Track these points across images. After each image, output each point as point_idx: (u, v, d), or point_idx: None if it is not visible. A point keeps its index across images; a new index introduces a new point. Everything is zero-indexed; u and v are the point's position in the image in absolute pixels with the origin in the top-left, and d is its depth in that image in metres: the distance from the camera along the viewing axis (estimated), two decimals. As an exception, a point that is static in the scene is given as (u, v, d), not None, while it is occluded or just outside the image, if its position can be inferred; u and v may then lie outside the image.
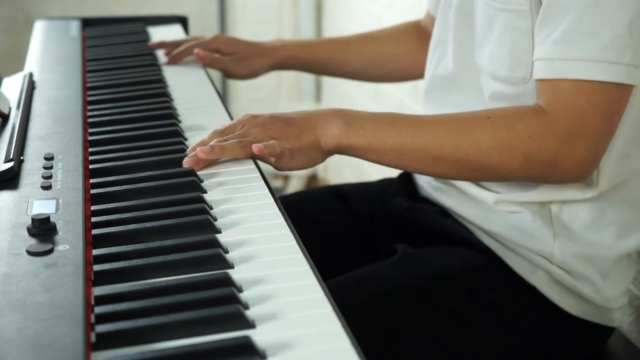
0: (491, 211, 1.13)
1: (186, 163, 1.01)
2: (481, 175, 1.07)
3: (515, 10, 1.05)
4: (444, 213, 1.21)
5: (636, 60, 0.97)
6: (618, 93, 0.98)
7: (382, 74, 1.52)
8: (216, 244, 0.82)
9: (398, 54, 1.47)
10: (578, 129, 0.99)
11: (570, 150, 1.00)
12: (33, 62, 1.45)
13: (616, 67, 0.96)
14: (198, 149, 1.01)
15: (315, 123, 1.05)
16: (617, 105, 0.99)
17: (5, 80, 1.32)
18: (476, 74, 1.16)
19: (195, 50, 1.47)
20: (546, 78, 1.00)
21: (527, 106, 1.03)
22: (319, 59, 1.51)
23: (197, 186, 0.96)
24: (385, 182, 1.40)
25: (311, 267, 0.79)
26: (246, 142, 1.03)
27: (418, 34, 1.47)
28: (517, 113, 1.03)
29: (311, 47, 1.53)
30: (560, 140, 0.99)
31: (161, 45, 1.54)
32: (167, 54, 1.52)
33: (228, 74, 1.52)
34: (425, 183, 1.25)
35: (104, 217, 0.88)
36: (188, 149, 1.05)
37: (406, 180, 1.33)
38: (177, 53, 1.50)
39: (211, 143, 1.03)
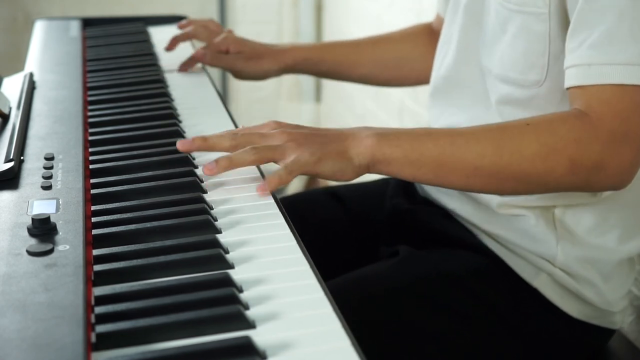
0: (494, 214, 1.12)
1: (182, 146, 0.99)
2: (523, 185, 1.00)
3: (532, 13, 1.03)
4: (446, 214, 1.21)
5: None
6: None
7: (396, 77, 1.47)
8: (216, 244, 0.82)
9: (411, 56, 1.43)
10: (624, 132, 0.96)
11: (616, 153, 0.96)
12: (33, 62, 1.45)
13: None
14: (203, 166, 0.96)
15: (345, 136, 0.99)
16: None
17: (6, 80, 1.32)
18: (480, 75, 1.15)
19: (196, 51, 1.44)
20: (583, 84, 0.97)
21: (567, 111, 0.99)
22: (332, 61, 1.46)
23: (197, 186, 0.96)
24: (382, 182, 1.39)
25: (311, 267, 0.79)
26: (262, 147, 0.96)
27: (430, 36, 1.44)
28: (558, 117, 0.98)
29: (323, 49, 1.49)
30: (605, 143, 0.96)
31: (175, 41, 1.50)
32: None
33: (234, 73, 1.47)
34: (426, 183, 1.25)
35: (104, 217, 0.88)
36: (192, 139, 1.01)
37: (405, 180, 1.32)
38: (187, 61, 1.46)
39: (211, 142, 0.99)
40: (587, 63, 0.96)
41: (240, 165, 0.96)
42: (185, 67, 1.45)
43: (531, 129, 0.98)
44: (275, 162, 0.97)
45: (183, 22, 1.55)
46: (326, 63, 1.47)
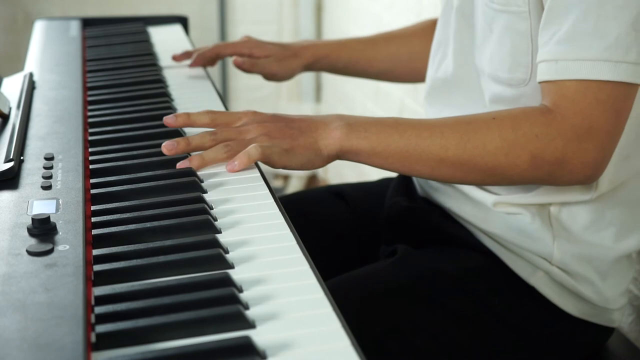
0: (490, 213, 1.12)
1: (168, 151, 1.01)
2: (488, 177, 1.04)
3: (514, 12, 1.05)
4: (444, 214, 1.21)
5: None
6: (624, 92, 0.98)
7: (410, 73, 1.48)
8: (216, 244, 0.82)
9: (424, 51, 1.41)
10: (586, 128, 0.98)
11: (579, 149, 0.98)
12: (33, 62, 1.45)
13: (622, 66, 0.95)
14: (178, 164, 1.00)
15: (316, 126, 1.04)
16: (623, 103, 0.98)
17: (5, 80, 1.32)
18: (476, 76, 1.15)
19: (234, 59, 1.42)
20: (550, 79, 0.99)
21: (533, 106, 1.02)
22: (348, 58, 1.47)
23: (197, 186, 0.96)
24: (385, 182, 1.39)
25: (311, 267, 0.79)
26: (233, 146, 1.01)
27: None
28: (522, 113, 1.01)
29: (340, 46, 1.49)
30: (567, 139, 0.98)
31: (186, 54, 1.47)
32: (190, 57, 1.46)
33: (268, 76, 1.46)
34: (424, 183, 1.25)
35: (104, 217, 0.88)
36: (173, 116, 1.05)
37: (405, 180, 1.32)
38: (203, 53, 1.44)
39: (194, 143, 1.02)
40: (555, 58, 0.98)
41: (212, 163, 1.01)
42: (200, 61, 1.44)
43: (496, 124, 1.01)
44: None
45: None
46: (343, 60, 1.48)
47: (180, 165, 1.00)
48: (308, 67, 1.48)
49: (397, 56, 1.47)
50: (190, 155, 1.02)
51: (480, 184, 1.10)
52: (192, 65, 1.44)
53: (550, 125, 0.99)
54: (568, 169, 1.00)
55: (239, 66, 1.42)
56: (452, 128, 1.03)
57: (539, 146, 0.99)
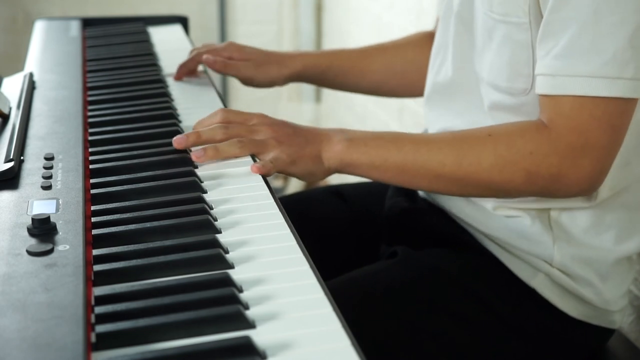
0: (491, 215, 1.12)
1: (178, 144, 1.03)
2: (485, 192, 1.06)
3: (514, 23, 1.04)
4: (444, 215, 1.21)
5: (639, 74, 0.95)
6: (621, 107, 0.97)
7: (404, 85, 1.44)
8: (216, 244, 0.82)
9: (419, 62, 1.40)
10: (582, 144, 0.98)
11: (574, 165, 0.99)
12: (33, 62, 1.45)
13: (619, 82, 0.95)
14: (191, 153, 1.02)
15: (320, 139, 1.06)
16: (620, 119, 0.98)
17: (6, 80, 1.32)
18: (476, 81, 1.15)
19: (205, 57, 1.37)
20: (547, 94, 0.99)
21: (529, 122, 1.02)
22: (339, 67, 1.43)
23: (197, 186, 0.96)
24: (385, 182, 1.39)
25: (311, 267, 0.79)
26: (246, 141, 1.03)
27: (433, 42, 1.43)
28: (518, 130, 1.02)
29: (331, 55, 1.45)
30: (562, 156, 0.99)
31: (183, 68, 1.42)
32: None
33: (244, 80, 1.42)
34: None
35: (104, 217, 0.88)
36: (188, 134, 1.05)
37: None
38: (186, 62, 1.40)
39: (205, 137, 1.04)
40: (552, 73, 0.98)
41: (225, 156, 1.03)
42: (180, 75, 1.40)
43: (491, 141, 1.02)
44: (257, 155, 1.04)
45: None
46: (334, 70, 1.43)
47: (194, 154, 1.02)
48: (296, 77, 1.43)
49: (391, 67, 1.43)
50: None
51: (477, 197, 1.11)
52: (176, 79, 1.39)
53: (545, 143, 0.99)
54: (564, 183, 1.00)
55: (210, 66, 1.37)
56: (449, 144, 1.04)
57: (533, 163, 1.00)
